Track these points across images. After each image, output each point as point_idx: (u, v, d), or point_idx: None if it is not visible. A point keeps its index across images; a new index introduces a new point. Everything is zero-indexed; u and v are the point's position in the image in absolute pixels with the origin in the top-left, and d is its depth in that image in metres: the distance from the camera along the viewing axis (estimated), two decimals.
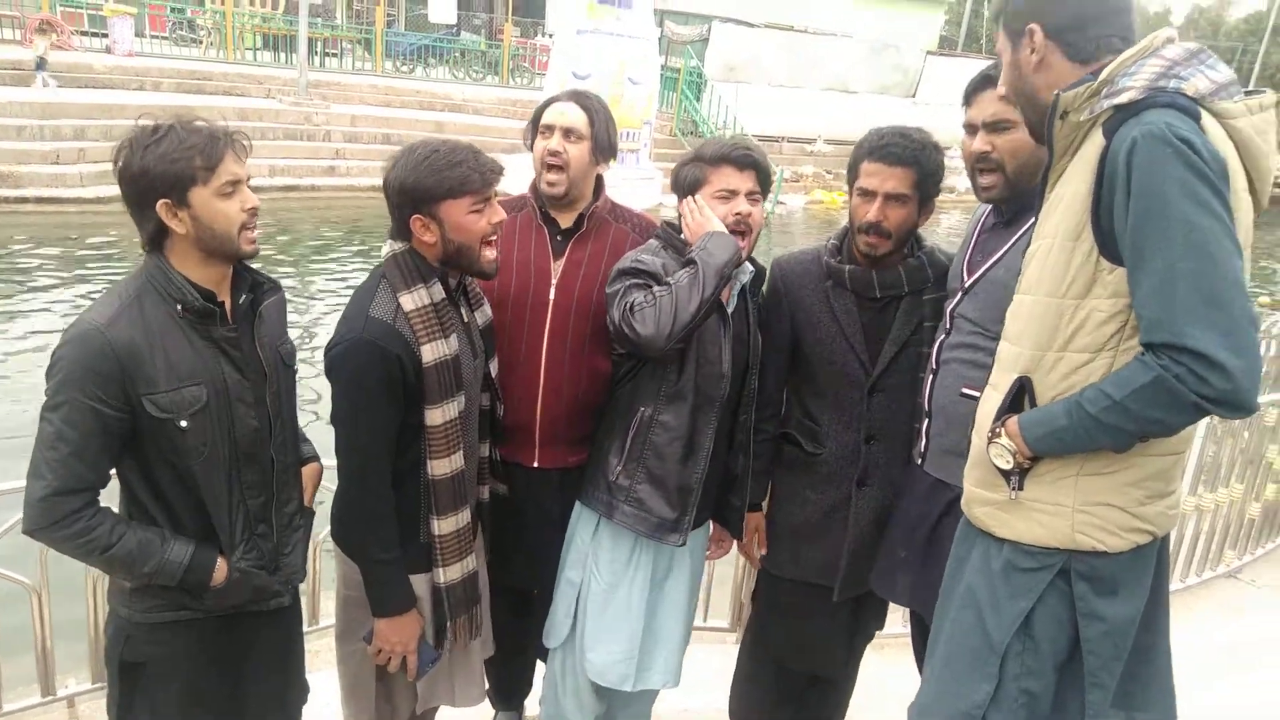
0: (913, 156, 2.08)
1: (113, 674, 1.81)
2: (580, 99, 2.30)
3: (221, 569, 1.74)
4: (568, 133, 2.24)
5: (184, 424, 1.64)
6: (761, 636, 2.50)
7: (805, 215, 17.42)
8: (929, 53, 22.51)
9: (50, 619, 2.65)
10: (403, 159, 1.88)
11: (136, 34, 17.65)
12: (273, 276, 1.86)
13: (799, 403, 2.32)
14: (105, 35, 17.15)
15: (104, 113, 12.82)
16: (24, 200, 11.08)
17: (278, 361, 1.82)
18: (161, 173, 1.59)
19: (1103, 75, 1.49)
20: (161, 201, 1.60)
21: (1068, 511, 1.56)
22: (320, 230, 12.44)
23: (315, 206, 13.37)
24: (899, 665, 2.69)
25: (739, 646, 2.65)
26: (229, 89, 15.85)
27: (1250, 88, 1.49)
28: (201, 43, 18.89)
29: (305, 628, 3.14)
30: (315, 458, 2.04)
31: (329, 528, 2.03)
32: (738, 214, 2.11)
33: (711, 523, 2.44)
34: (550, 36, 24.20)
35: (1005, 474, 1.61)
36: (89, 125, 12.49)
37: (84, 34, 18.00)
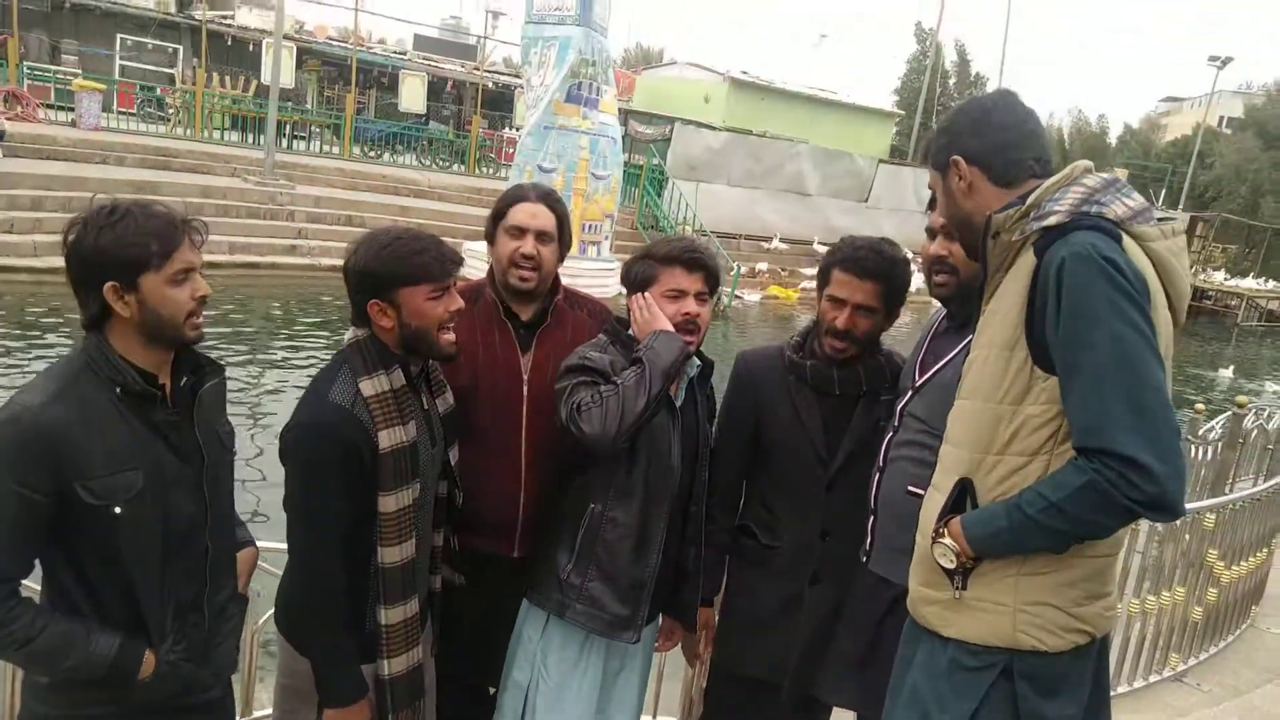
0: (884, 271, 2.18)
1: None
2: (548, 200, 2.35)
3: (149, 662, 1.67)
4: (540, 235, 2.29)
5: (118, 510, 1.58)
6: None
7: (761, 309, 17.81)
8: (880, 161, 23.50)
9: None
10: (364, 245, 1.91)
11: (104, 109, 17.76)
12: (214, 359, 1.83)
13: (757, 494, 2.35)
14: (72, 109, 17.21)
15: (64, 184, 12.77)
16: None
17: (217, 445, 1.79)
18: (114, 256, 1.56)
19: (1030, 200, 1.60)
20: (110, 284, 1.57)
21: (1009, 611, 1.59)
22: (278, 308, 12.37)
23: (275, 284, 13.32)
24: None
25: None
26: (194, 166, 15.90)
27: (1162, 214, 1.61)
28: (170, 120, 19.05)
29: (239, 717, 3.04)
30: (250, 542, 2.00)
31: (271, 612, 1.98)
32: (686, 313, 2.16)
33: (661, 615, 2.42)
34: (517, 130, 24.87)
35: (949, 573, 1.65)
36: (47, 196, 12.42)
37: (50, 107, 18.04)
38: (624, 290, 2.27)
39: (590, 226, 10.98)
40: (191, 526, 1.71)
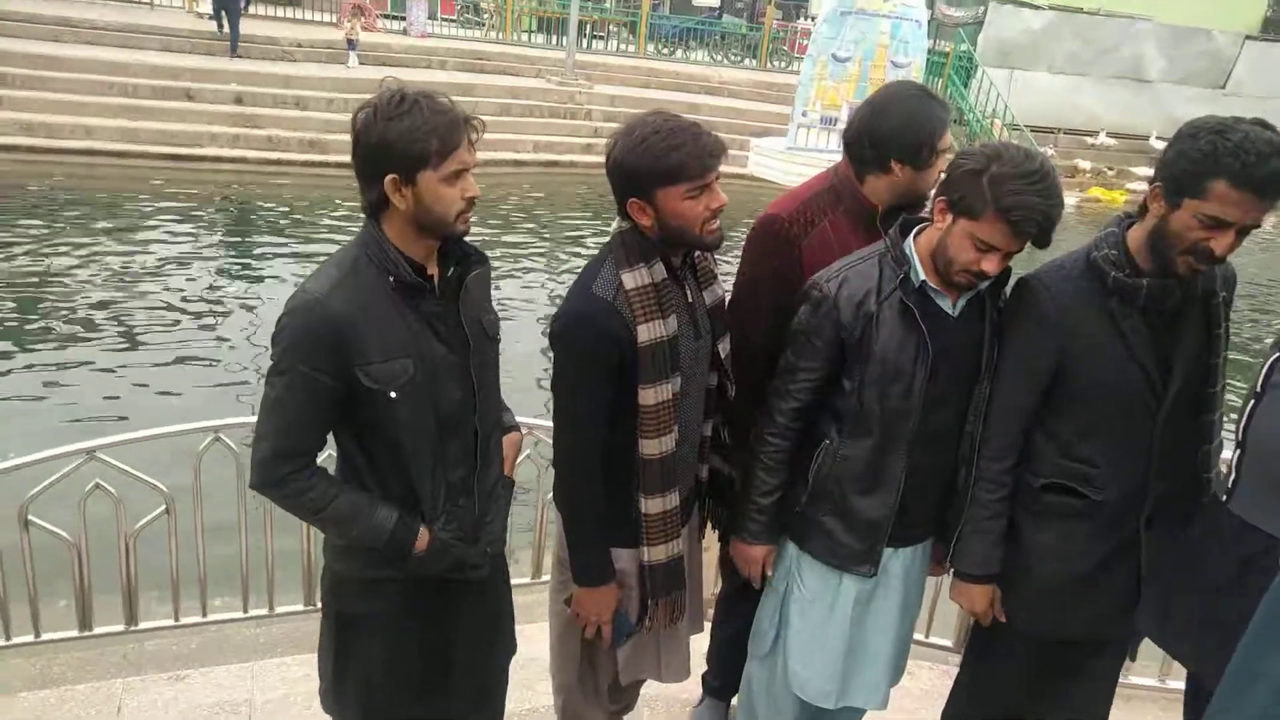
0: None
1: (328, 625, 1.92)
2: None
3: (424, 537, 1.78)
4: None
5: (393, 395, 1.67)
6: (1006, 700, 2.21)
7: (1078, 214, 15.94)
8: (1248, 37, 19.71)
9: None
10: (622, 138, 1.83)
11: (430, 16, 19.32)
12: (479, 248, 1.85)
13: (1060, 446, 1.98)
14: (404, 18, 18.90)
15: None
16: (327, 165, 12.47)
17: (481, 334, 1.83)
18: (398, 148, 1.58)
19: None
20: (390, 176, 1.60)
21: None
22: (574, 203, 13.05)
23: (573, 181, 14.01)
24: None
25: (952, 698, 2.37)
26: (504, 68, 16.92)
27: None
28: (484, 25, 20.34)
29: (529, 579, 3.36)
30: (516, 427, 2.07)
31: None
32: (983, 271, 1.84)
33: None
34: (812, 19, 23.76)
35: None
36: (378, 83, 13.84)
37: (387, 17, 19.97)
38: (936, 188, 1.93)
39: None
40: (461, 411, 1.79)
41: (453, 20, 20.82)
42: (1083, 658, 2.11)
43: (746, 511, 2.13)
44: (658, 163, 1.78)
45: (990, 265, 1.84)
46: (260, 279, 8.90)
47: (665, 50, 21.35)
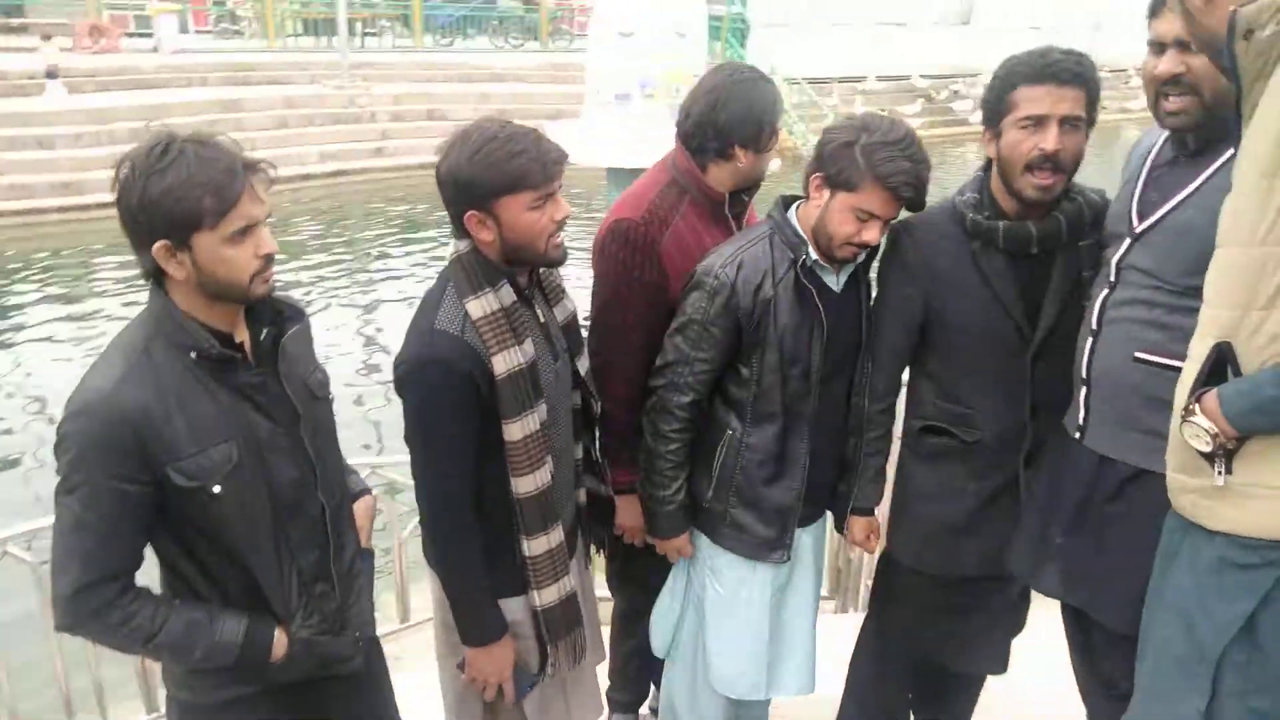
0: (1085, 75, 1.78)
1: None
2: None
3: (281, 641, 1.55)
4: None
5: (217, 489, 1.44)
6: (910, 635, 2.25)
7: None
8: None
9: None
10: (455, 147, 1.67)
11: (181, 30, 17.80)
12: (294, 302, 1.64)
13: (940, 387, 2.03)
14: (151, 35, 17.32)
15: (155, 113, 12.91)
16: (86, 207, 11.23)
17: (309, 398, 1.61)
18: (163, 210, 1.34)
19: None
20: (160, 243, 1.36)
21: None
22: (372, 214, 12.45)
23: (366, 190, 13.36)
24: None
25: (861, 641, 2.40)
26: (275, 77, 15.86)
27: None
28: (244, 33, 18.99)
29: (398, 625, 3.13)
30: (366, 489, 1.87)
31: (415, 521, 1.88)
32: (864, 242, 1.87)
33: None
34: None
35: (1207, 456, 1.37)
36: (142, 128, 12.62)
37: (131, 35, 18.20)
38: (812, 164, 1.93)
39: (679, 89, 10.42)
40: (300, 490, 1.57)
41: (207, 32, 19.28)
42: (980, 595, 2.14)
43: (658, 512, 2.08)
44: (498, 171, 1.63)
45: (871, 235, 1.86)
46: (28, 344, 7.92)
47: (444, 41, 20.75)
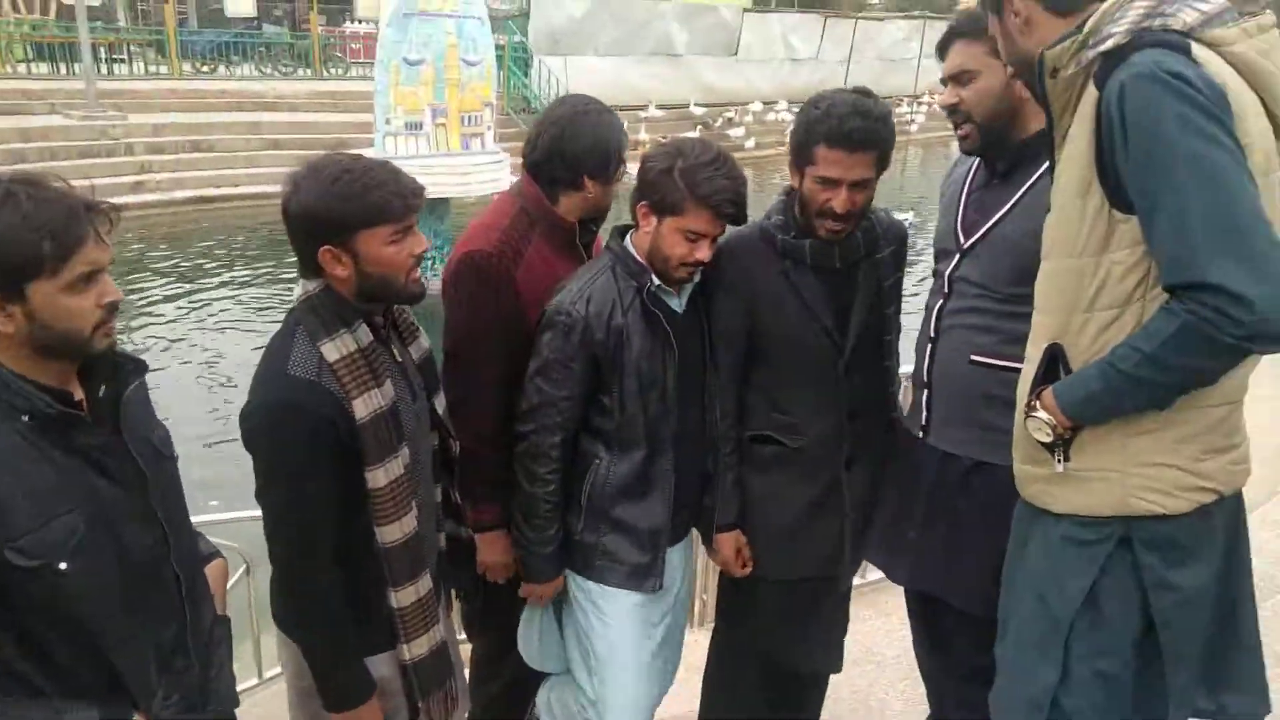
0: (876, 137, 1.92)
1: None
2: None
3: None
4: None
5: (63, 565, 1.29)
6: (758, 642, 2.34)
7: None
8: (745, 9, 22.85)
9: None
10: (306, 180, 1.57)
11: None
12: (133, 355, 1.49)
13: (766, 397, 2.16)
14: None
15: None
16: None
17: (155, 457, 1.47)
18: None
19: (1087, 26, 1.43)
20: None
21: (1117, 477, 1.50)
22: (140, 250, 11.39)
23: (134, 227, 12.19)
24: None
25: (713, 654, 2.47)
26: (6, 108, 14.16)
27: (1247, 8, 1.43)
28: None
29: (255, 680, 2.87)
30: (216, 552, 1.72)
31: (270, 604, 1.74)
32: (697, 260, 1.94)
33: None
34: (360, 22, 23.02)
35: (1049, 447, 1.54)
36: None
37: None
38: (635, 186, 1.99)
39: (470, 118, 10.31)
40: (153, 558, 1.43)
41: None
42: (817, 595, 2.27)
43: (538, 554, 2.05)
44: (358, 204, 1.55)
45: (702, 253, 1.94)
46: None
47: (204, 68, 19.36)
